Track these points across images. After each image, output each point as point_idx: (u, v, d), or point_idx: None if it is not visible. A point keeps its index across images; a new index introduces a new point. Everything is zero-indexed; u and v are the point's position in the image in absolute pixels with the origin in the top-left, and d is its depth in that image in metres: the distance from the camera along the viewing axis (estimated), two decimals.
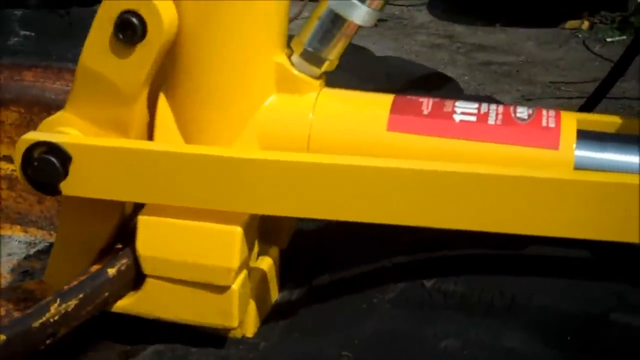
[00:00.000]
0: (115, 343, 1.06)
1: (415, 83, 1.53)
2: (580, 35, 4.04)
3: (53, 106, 1.45)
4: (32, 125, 1.32)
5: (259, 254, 1.08)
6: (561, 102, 3.12)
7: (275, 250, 1.11)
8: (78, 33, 1.03)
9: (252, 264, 1.05)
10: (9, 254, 1.47)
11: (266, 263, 1.08)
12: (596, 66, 3.55)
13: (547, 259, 1.02)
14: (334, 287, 1.05)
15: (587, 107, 1.45)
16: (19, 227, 1.55)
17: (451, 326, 0.92)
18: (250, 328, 1.03)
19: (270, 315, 1.06)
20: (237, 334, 1.02)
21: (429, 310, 0.95)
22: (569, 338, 0.90)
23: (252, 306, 1.02)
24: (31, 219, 1.54)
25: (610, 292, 0.96)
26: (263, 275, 1.07)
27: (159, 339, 1.02)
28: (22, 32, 1.65)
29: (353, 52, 1.65)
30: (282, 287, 1.11)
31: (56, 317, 0.90)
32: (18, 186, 1.53)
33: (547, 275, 0.99)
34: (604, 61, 3.56)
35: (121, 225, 1.05)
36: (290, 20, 1.05)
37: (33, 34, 1.65)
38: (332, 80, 1.04)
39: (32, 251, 1.51)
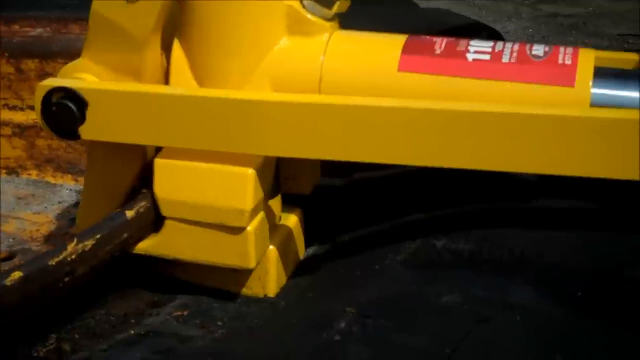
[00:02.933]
0: (143, 293, 1.09)
1: (454, 33, 1.50)
2: None
3: None
4: None
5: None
6: None
7: (299, 211, 1.12)
8: None
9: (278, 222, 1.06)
10: (59, 202, 1.51)
11: (291, 221, 1.10)
12: None
13: (556, 213, 1.00)
14: (351, 247, 1.07)
15: None
16: (69, 176, 1.59)
17: (456, 283, 0.92)
18: (272, 288, 1.04)
19: (294, 273, 1.08)
20: (260, 293, 1.04)
21: (437, 270, 0.96)
22: (579, 294, 0.89)
23: (273, 268, 1.04)
24: (81, 168, 1.57)
25: (622, 247, 0.94)
26: (288, 233, 1.08)
27: (185, 293, 1.06)
28: None
29: (394, 4, 1.64)
30: (307, 245, 1.13)
31: (73, 256, 0.93)
32: None
33: (557, 229, 0.98)
34: None
35: (144, 170, 1.07)
36: None
37: None
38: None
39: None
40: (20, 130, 1.59)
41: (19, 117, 1.60)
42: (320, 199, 1.16)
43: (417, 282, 0.93)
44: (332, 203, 1.17)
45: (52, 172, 1.60)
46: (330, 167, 1.17)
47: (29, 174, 1.60)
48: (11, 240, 1.40)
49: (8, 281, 0.88)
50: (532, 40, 3.13)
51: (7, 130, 1.60)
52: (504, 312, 0.86)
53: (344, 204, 1.16)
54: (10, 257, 1.35)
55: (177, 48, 1.02)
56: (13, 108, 1.60)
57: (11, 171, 1.60)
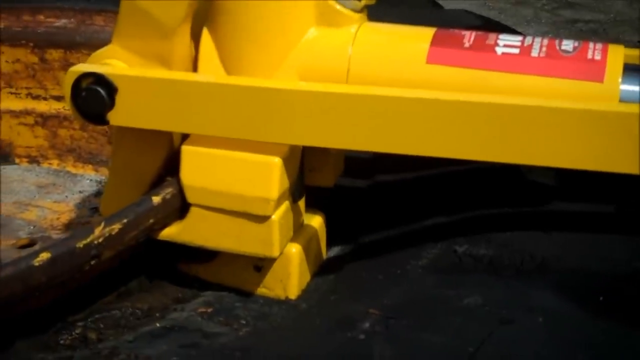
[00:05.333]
0: (168, 289, 1.09)
1: None
2: None
3: None
4: None
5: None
6: None
7: (321, 213, 1.11)
8: None
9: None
10: (80, 191, 1.52)
11: (315, 222, 1.09)
12: None
13: (577, 216, 1.01)
14: (373, 250, 1.07)
15: None
16: (90, 166, 1.60)
17: (478, 287, 0.93)
18: (293, 291, 1.04)
19: (315, 276, 1.08)
20: (281, 295, 1.04)
21: (458, 274, 0.96)
22: (601, 298, 0.89)
23: (295, 270, 1.03)
24: (102, 159, 1.58)
25: None
26: (312, 235, 1.08)
27: (208, 291, 1.07)
28: None
29: (419, 5, 1.65)
30: (329, 246, 1.13)
31: (100, 240, 0.93)
32: (90, 127, 1.58)
33: (578, 232, 0.98)
34: None
35: (171, 157, 1.08)
36: None
37: None
38: None
39: (101, 189, 1.57)
40: (43, 119, 1.60)
41: (42, 106, 1.61)
42: (343, 200, 1.17)
43: (438, 286, 0.94)
44: (355, 204, 1.17)
45: (73, 162, 1.60)
46: (353, 168, 1.17)
47: (50, 164, 1.61)
48: (32, 227, 1.41)
49: (36, 262, 0.89)
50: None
51: (29, 120, 1.61)
52: (525, 314, 0.86)
53: (366, 205, 1.16)
54: (31, 243, 1.36)
55: (206, 37, 1.02)
56: (36, 97, 1.61)
57: (32, 160, 1.61)
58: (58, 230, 1.41)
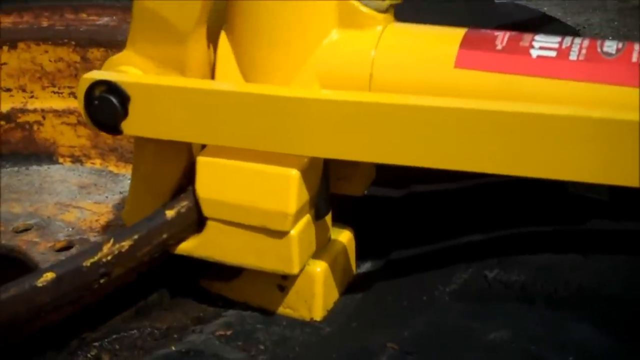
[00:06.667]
0: (189, 307, 1.06)
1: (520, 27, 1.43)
2: None
3: None
4: None
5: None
6: None
7: (350, 229, 1.06)
8: None
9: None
10: (120, 192, 1.51)
11: (344, 237, 1.04)
12: None
13: (624, 237, 0.91)
14: (402, 269, 1.01)
15: None
16: (131, 166, 1.58)
17: (506, 318, 0.85)
18: (318, 312, 0.98)
19: (345, 292, 1.03)
20: (306, 316, 0.99)
21: (487, 303, 0.89)
22: None
23: (320, 292, 0.98)
24: None
25: None
26: (339, 252, 1.02)
27: (231, 309, 1.03)
28: None
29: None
30: (360, 258, 1.08)
31: (109, 257, 0.90)
32: None
33: (623, 255, 0.89)
34: None
35: (192, 166, 1.04)
36: None
37: None
38: None
39: None
40: None
41: None
42: (375, 211, 1.11)
43: (465, 317, 0.87)
44: (388, 216, 1.11)
45: (115, 162, 1.59)
46: (386, 177, 1.11)
47: (93, 163, 1.60)
48: (70, 229, 1.40)
49: (39, 282, 0.86)
50: (616, 35, 2.98)
51: (72, 119, 1.60)
52: (556, 351, 0.78)
53: (399, 217, 1.10)
54: (68, 246, 1.35)
55: (223, 41, 0.97)
56: None
57: (75, 160, 1.60)
58: (96, 232, 1.40)
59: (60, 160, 1.60)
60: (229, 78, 0.97)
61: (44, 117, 1.60)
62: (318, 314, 0.98)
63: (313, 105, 0.89)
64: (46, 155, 1.60)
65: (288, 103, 0.90)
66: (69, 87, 1.60)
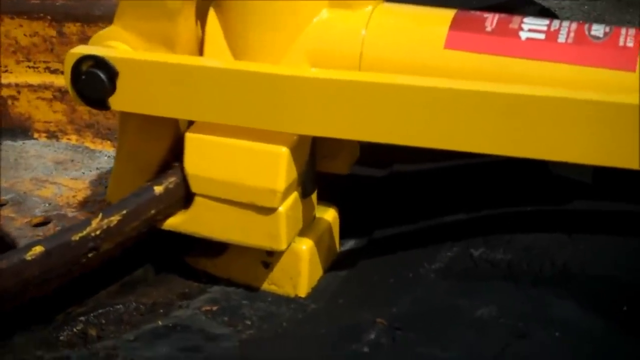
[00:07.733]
0: (174, 283, 1.06)
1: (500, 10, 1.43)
2: None
3: None
4: None
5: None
6: None
7: (334, 207, 1.07)
8: None
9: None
10: (97, 168, 1.49)
11: (329, 215, 1.05)
12: None
13: (607, 218, 0.93)
14: (387, 248, 1.02)
15: None
16: (109, 142, 1.57)
17: (493, 296, 0.87)
18: (303, 289, 1.00)
19: (327, 271, 1.04)
20: (290, 293, 1.00)
21: (473, 281, 0.91)
22: (625, 309, 0.83)
23: (305, 269, 0.99)
24: None
25: None
26: (324, 230, 1.03)
27: (216, 286, 1.03)
28: None
29: None
30: (343, 238, 1.09)
31: (98, 232, 0.90)
32: None
33: (606, 235, 0.91)
34: None
35: (177, 142, 1.04)
36: None
37: None
38: None
39: None
40: (61, 94, 1.57)
41: (60, 80, 1.56)
42: (359, 190, 1.12)
43: (451, 294, 0.88)
44: (371, 195, 1.12)
45: (91, 138, 1.57)
46: (369, 156, 1.12)
47: (69, 139, 1.58)
48: (47, 205, 1.39)
49: (28, 255, 0.86)
50: (587, 19, 3.01)
51: (48, 94, 1.58)
52: (542, 327, 0.80)
53: (383, 196, 1.11)
54: (45, 222, 1.34)
55: (212, 18, 0.97)
56: (54, 71, 1.57)
57: (51, 135, 1.58)
58: (74, 208, 1.38)
59: (36, 135, 1.58)
60: (217, 55, 0.97)
61: (18, 92, 1.58)
62: (303, 291, 0.99)
63: (302, 84, 0.90)
64: (21, 130, 1.58)
65: (277, 81, 0.90)
66: (44, 62, 1.58)
